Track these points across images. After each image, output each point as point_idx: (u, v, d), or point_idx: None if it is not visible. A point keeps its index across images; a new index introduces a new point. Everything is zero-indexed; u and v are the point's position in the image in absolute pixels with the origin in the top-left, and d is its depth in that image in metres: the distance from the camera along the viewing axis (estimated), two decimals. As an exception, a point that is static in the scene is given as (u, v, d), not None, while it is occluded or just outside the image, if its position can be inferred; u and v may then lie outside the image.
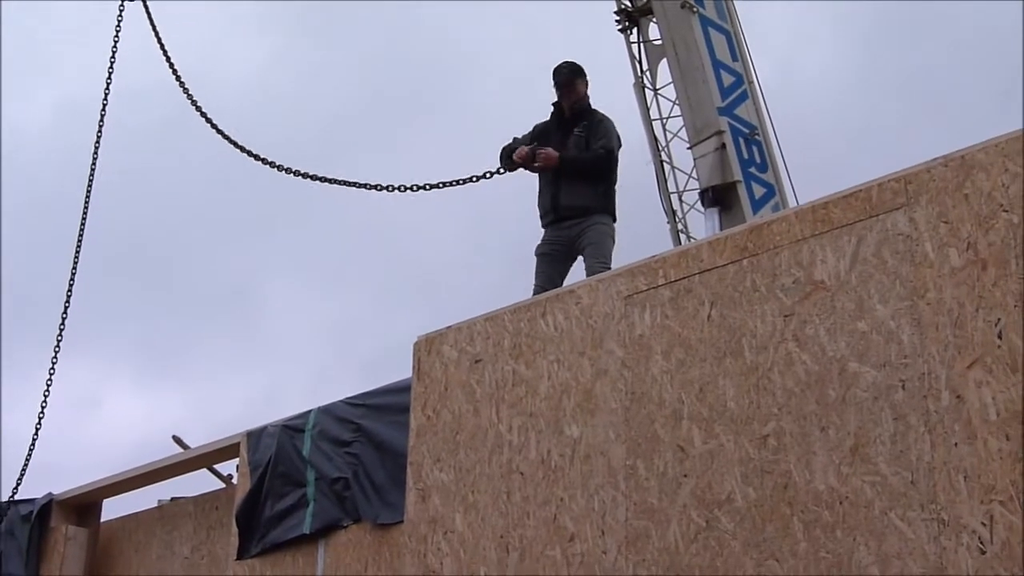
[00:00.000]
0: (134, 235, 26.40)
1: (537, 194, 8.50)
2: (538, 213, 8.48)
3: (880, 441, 4.43)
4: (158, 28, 11.59)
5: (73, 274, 10.95)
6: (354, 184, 9.83)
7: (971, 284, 4.34)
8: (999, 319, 4.23)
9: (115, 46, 11.60)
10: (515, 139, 8.61)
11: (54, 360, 10.64)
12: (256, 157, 10.49)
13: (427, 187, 9.37)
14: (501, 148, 8.66)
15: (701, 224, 12.32)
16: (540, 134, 8.55)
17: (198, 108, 11.07)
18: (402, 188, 9.46)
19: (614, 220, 8.34)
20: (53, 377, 10.61)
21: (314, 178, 10.05)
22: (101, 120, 11.40)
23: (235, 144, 10.74)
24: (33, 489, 9.69)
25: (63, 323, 10.76)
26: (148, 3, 11.68)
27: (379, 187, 9.62)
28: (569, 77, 8.46)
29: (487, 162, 8.76)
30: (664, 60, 12.72)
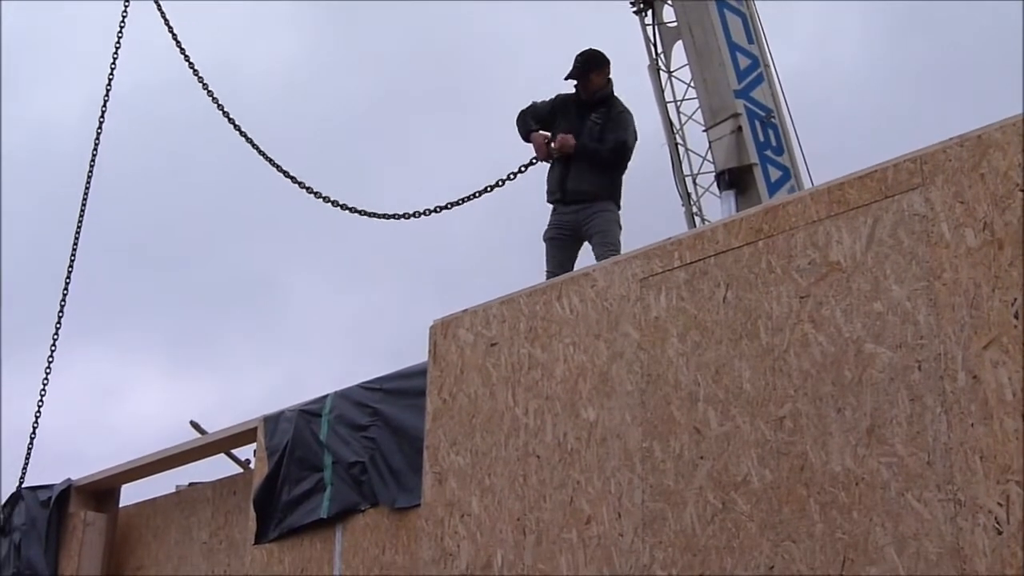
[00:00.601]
0: (163, 226, 26.52)
1: (548, 170, 8.53)
2: (546, 188, 8.50)
3: (896, 422, 4.42)
4: (175, 29, 11.50)
5: (70, 270, 10.99)
6: (369, 214, 9.78)
7: (987, 264, 4.32)
8: (1015, 299, 4.22)
9: (118, 41, 11.54)
10: (534, 103, 8.59)
11: (51, 352, 10.73)
12: (279, 168, 10.44)
13: (437, 209, 9.25)
14: (519, 112, 8.62)
15: (715, 207, 12.31)
16: (560, 106, 8.54)
17: (224, 112, 10.96)
18: (417, 215, 9.37)
19: (618, 208, 8.37)
20: (51, 365, 10.71)
21: (327, 200, 9.98)
22: (102, 116, 11.34)
23: (258, 149, 10.69)
24: (59, 477, 9.75)
25: (60, 314, 10.83)
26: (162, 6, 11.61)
27: (396, 216, 9.58)
28: (583, 70, 8.42)
29: (515, 157, 8.75)
30: (679, 42, 12.69)
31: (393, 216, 9.66)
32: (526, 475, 5.67)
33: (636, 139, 8.51)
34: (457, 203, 9.22)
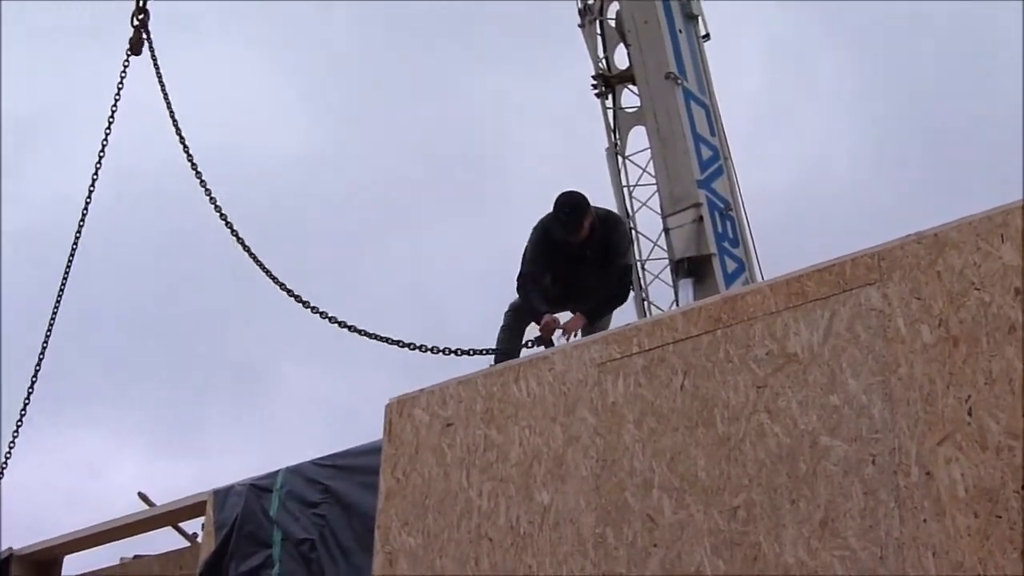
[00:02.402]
0: (165, 302, 26.30)
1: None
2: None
3: (850, 515, 4.43)
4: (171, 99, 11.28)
5: (47, 339, 10.88)
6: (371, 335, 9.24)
7: (942, 361, 4.37)
8: (969, 396, 4.26)
9: (115, 104, 11.43)
10: (532, 270, 8.33)
11: (17, 427, 10.60)
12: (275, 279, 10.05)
13: (446, 352, 8.75)
14: (519, 278, 8.35)
15: (663, 294, 12.33)
16: (547, 254, 8.31)
17: (211, 198, 10.61)
18: (423, 348, 8.85)
19: None
20: (15, 440, 10.58)
21: (323, 315, 9.43)
22: (92, 184, 11.20)
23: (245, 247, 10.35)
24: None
25: (34, 380, 10.71)
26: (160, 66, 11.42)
27: (401, 344, 8.99)
28: (576, 220, 8.08)
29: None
30: (636, 128, 12.79)
31: (398, 343, 9.06)
32: (478, 558, 5.62)
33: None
34: (467, 352, 8.72)
